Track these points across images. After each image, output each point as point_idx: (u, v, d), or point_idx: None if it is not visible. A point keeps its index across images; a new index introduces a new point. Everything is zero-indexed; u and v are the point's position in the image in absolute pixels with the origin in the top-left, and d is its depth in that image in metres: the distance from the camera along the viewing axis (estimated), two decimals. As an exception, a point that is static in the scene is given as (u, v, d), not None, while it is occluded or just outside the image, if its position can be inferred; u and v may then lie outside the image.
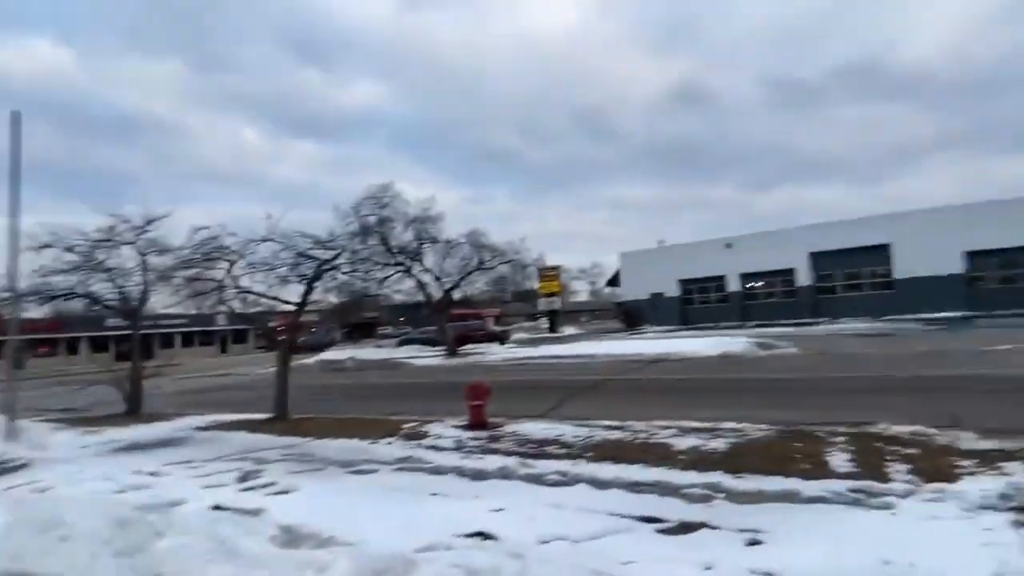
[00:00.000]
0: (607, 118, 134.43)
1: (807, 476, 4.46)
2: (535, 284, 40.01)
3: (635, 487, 4.63)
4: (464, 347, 26.08)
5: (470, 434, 7.11)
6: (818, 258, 31.24)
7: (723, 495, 4.29)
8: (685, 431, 6.38)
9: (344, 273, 10.96)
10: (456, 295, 25.87)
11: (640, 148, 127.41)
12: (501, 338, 30.68)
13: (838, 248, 30.30)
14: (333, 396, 14.00)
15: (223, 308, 10.72)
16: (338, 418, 9.28)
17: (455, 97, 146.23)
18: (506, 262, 25.33)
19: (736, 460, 5.08)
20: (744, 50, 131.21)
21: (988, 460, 4.51)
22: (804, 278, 31.72)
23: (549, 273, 39.71)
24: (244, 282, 9.92)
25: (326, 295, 11.75)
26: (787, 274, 32.40)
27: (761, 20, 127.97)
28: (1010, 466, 4.31)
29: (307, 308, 10.60)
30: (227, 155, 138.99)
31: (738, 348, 16.35)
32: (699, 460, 5.21)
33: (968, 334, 16.86)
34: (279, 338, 11.14)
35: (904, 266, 28.47)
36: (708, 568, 3.01)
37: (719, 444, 5.71)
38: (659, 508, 4.08)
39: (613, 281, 44.67)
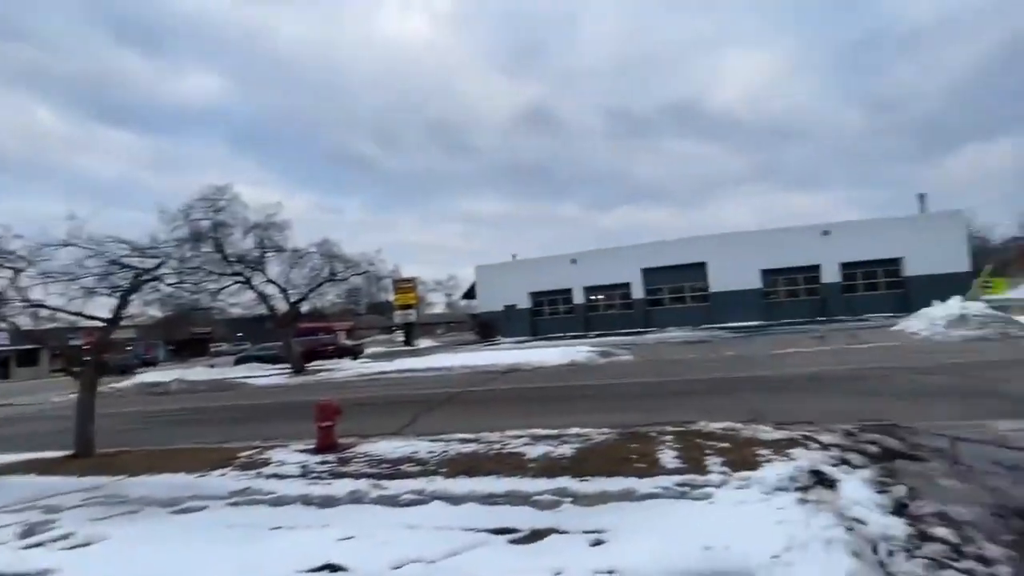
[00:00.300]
0: (462, 133, 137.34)
1: (642, 474, 4.89)
2: (390, 296, 39.08)
3: (489, 499, 4.71)
4: (313, 363, 24.51)
5: (318, 458, 6.68)
6: (649, 274, 34.81)
7: (570, 499, 4.54)
8: (536, 439, 6.64)
9: (169, 284, 9.70)
10: (304, 308, 24.25)
11: (494, 164, 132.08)
12: (354, 352, 29.35)
13: (665, 265, 34.15)
14: (155, 424, 12.29)
15: (4, 325, 8.85)
16: (159, 450, 8.16)
17: (304, 99, 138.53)
18: (360, 273, 24.35)
19: (582, 464, 5.41)
20: (586, 80, 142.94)
21: (780, 448, 5.34)
22: (638, 291, 35.12)
23: (405, 285, 39.02)
24: (36, 294, 8.29)
25: (146, 309, 10.31)
26: (624, 288, 35.63)
27: (601, 54, 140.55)
28: (795, 452, 5.16)
29: (121, 324, 9.17)
30: (14, 138, 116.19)
31: (582, 357, 17.52)
32: (549, 467, 5.45)
33: (763, 340, 19.97)
34: (82, 359, 9.48)
35: (717, 281, 32.91)
36: (558, 573, 3.16)
37: (566, 450, 6.03)
38: (512, 518, 4.18)
39: (469, 293, 45.27)
